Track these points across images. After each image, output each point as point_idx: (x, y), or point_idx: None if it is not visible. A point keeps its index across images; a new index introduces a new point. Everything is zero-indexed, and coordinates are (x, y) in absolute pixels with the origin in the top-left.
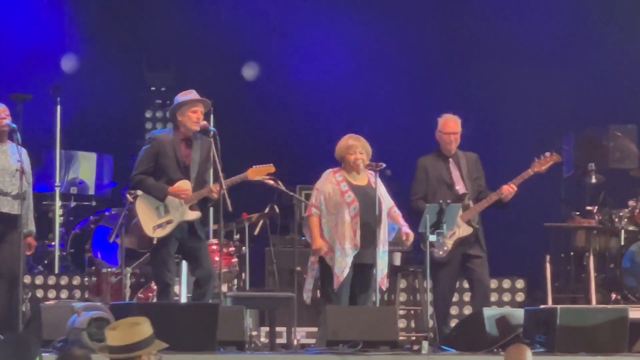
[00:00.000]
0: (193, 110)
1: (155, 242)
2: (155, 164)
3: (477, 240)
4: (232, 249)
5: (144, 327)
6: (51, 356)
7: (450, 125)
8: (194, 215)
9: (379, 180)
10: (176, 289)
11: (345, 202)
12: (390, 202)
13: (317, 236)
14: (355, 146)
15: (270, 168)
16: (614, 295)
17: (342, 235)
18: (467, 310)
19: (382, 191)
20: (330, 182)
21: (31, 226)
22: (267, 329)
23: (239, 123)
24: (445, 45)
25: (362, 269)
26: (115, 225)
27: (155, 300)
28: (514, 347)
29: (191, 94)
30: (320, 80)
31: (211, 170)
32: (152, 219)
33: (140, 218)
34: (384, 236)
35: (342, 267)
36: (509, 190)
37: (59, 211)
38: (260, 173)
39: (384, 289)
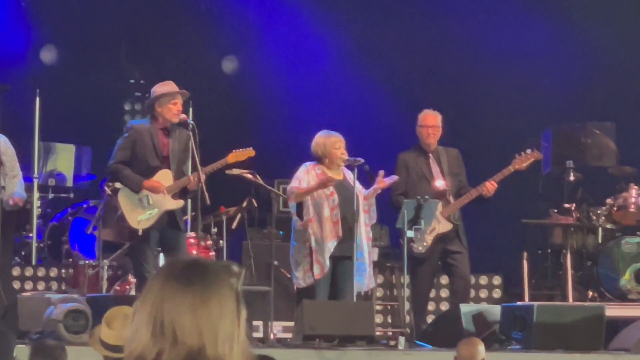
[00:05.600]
0: (174, 102)
1: (140, 233)
2: (133, 153)
3: (457, 236)
4: (209, 242)
5: None
6: (27, 348)
7: (429, 119)
8: (177, 204)
9: (354, 176)
10: None
11: (325, 194)
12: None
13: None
14: (340, 141)
15: (250, 152)
16: (590, 293)
17: (323, 227)
18: (444, 306)
19: (359, 187)
20: (310, 173)
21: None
22: None
23: (218, 116)
24: (424, 41)
25: (342, 262)
26: (93, 217)
27: (132, 293)
28: (465, 342)
29: (169, 85)
30: (299, 75)
31: (189, 163)
32: (136, 211)
33: (123, 210)
34: (365, 230)
35: (324, 259)
36: (490, 186)
37: (36, 203)
38: (240, 157)
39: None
